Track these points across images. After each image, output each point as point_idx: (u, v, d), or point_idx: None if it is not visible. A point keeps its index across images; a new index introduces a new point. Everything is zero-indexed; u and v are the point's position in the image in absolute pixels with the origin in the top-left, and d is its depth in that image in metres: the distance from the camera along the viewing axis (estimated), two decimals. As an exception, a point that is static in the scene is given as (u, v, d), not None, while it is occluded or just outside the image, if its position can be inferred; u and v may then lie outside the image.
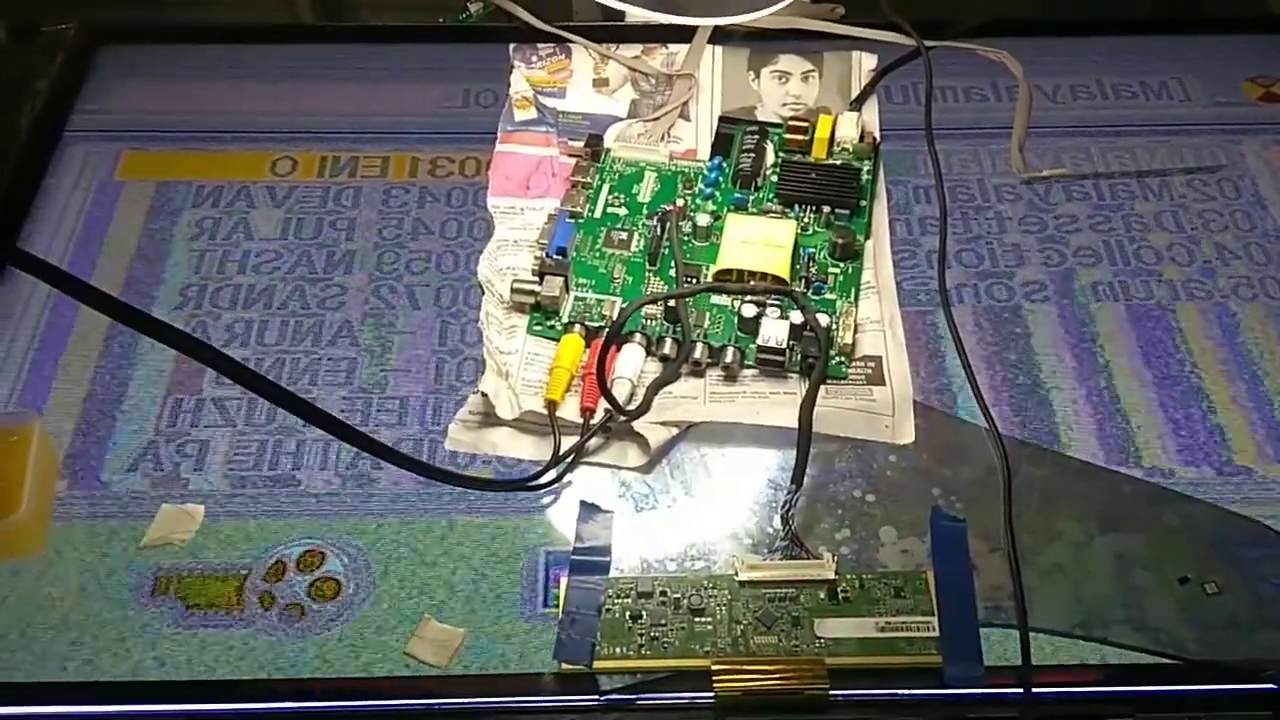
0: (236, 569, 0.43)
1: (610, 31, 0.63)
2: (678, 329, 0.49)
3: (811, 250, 0.52)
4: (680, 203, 0.54)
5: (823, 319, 0.48)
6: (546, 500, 0.46)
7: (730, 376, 0.49)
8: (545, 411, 0.47)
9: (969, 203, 0.56)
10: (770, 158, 0.56)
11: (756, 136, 0.57)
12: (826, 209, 0.53)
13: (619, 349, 0.48)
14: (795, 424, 0.45)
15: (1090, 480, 0.46)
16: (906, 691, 0.41)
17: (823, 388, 0.47)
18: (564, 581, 0.42)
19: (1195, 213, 0.55)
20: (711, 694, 0.40)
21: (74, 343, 0.50)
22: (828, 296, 0.51)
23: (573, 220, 0.53)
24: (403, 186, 0.57)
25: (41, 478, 0.46)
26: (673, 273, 0.51)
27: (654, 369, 0.49)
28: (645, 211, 0.54)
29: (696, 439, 0.47)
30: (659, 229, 0.52)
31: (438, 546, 0.44)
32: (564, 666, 0.41)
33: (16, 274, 0.52)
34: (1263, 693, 0.41)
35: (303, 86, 0.61)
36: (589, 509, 0.45)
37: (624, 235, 0.53)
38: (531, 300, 0.50)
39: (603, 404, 0.46)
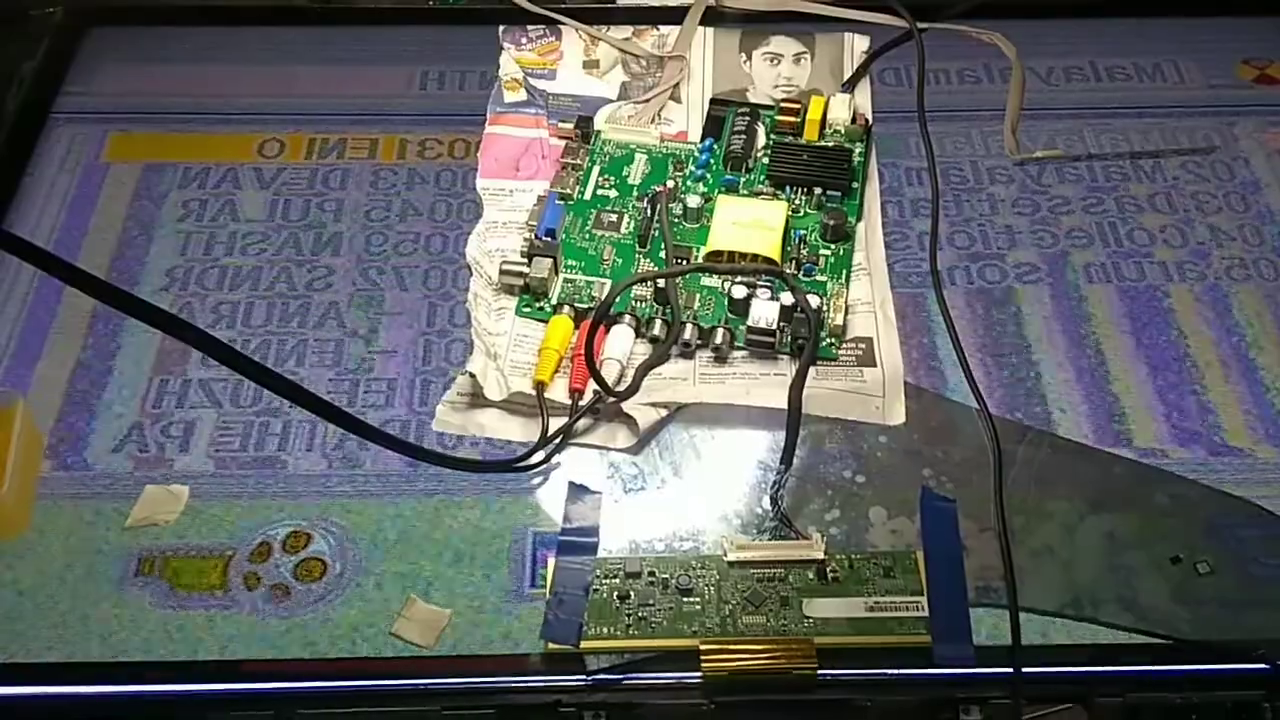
0: (222, 550, 0.43)
1: (600, 13, 0.63)
2: (667, 310, 0.49)
3: (802, 232, 0.52)
4: (671, 184, 0.54)
5: (813, 300, 0.48)
6: (534, 481, 0.45)
7: (720, 358, 0.48)
8: (534, 393, 0.46)
9: (961, 185, 0.56)
10: (761, 140, 0.56)
11: (748, 118, 0.56)
12: (818, 191, 0.53)
13: (608, 330, 0.48)
14: (785, 405, 0.45)
15: (1081, 460, 0.46)
16: (895, 671, 0.40)
17: (813, 369, 0.47)
18: (551, 562, 0.42)
19: (1188, 195, 0.55)
20: (699, 674, 0.40)
21: (59, 324, 0.50)
22: (818, 278, 0.50)
23: (562, 202, 0.53)
24: (391, 168, 0.56)
25: (25, 458, 0.45)
26: (663, 254, 0.51)
27: (643, 350, 0.48)
28: (635, 193, 0.54)
29: (686, 420, 0.47)
30: (649, 211, 0.52)
31: (425, 527, 0.44)
32: (551, 646, 0.40)
33: (2, 255, 0.52)
34: (1254, 673, 0.40)
35: (290, 68, 0.61)
36: (577, 490, 0.45)
37: (614, 217, 0.53)
38: (520, 282, 0.50)
39: (591, 385, 0.46)
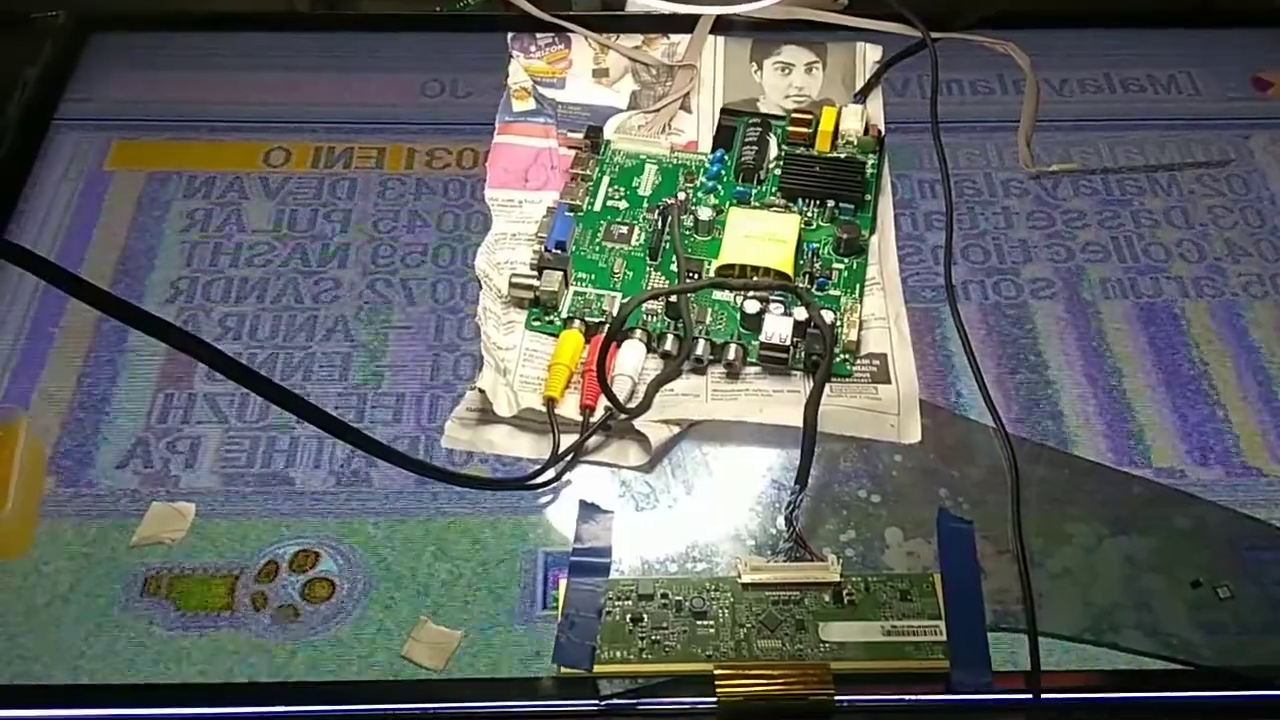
0: (228, 569, 0.42)
1: (610, 21, 0.62)
2: (679, 325, 0.48)
3: (815, 245, 0.51)
4: (682, 196, 0.53)
5: (827, 315, 0.47)
6: (545, 500, 0.45)
7: (733, 374, 0.48)
8: (544, 409, 0.46)
9: (975, 197, 0.55)
10: (773, 151, 0.55)
11: (759, 129, 0.56)
12: (830, 203, 0.52)
13: (619, 345, 0.47)
14: (799, 423, 0.44)
15: (1099, 481, 0.45)
16: (913, 697, 0.40)
17: (827, 386, 0.46)
18: (563, 583, 0.42)
19: (1204, 209, 0.55)
20: (714, 699, 0.39)
21: (62, 336, 0.49)
22: (832, 293, 0.50)
23: (572, 213, 0.52)
24: (399, 178, 0.56)
25: (29, 475, 0.45)
26: (674, 268, 0.50)
27: (655, 366, 0.48)
28: (646, 205, 0.53)
29: (698, 438, 0.47)
30: (660, 223, 0.51)
31: (434, 547, 0.43)
32: (563, 670, 0.40)
33: (4, 266, 0.51)
34: (1277, 700, 0.40)
35: (297, 76, 0.60)
36: (589, 509, 0.44)
37: (624, 229, 0.52)
38: (530, 295, 0.49)
39: (603, 401, 0.45)
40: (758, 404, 0.47)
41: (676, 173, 0.55)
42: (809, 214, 0.53)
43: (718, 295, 0.49)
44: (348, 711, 0.40)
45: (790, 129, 0.56)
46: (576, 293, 0.50)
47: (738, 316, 0.48)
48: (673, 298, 0.48)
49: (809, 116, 0.56)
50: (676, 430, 0.46)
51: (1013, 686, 0.40)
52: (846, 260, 0.51)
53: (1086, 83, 0.60)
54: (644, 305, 0.48)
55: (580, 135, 0.56)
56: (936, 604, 0.41)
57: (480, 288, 0.51)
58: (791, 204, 0.53)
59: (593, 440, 0.46)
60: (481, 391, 0.46)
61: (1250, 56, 0.61)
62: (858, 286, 0.50)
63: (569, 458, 0.45)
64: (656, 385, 0.47)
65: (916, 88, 0.60)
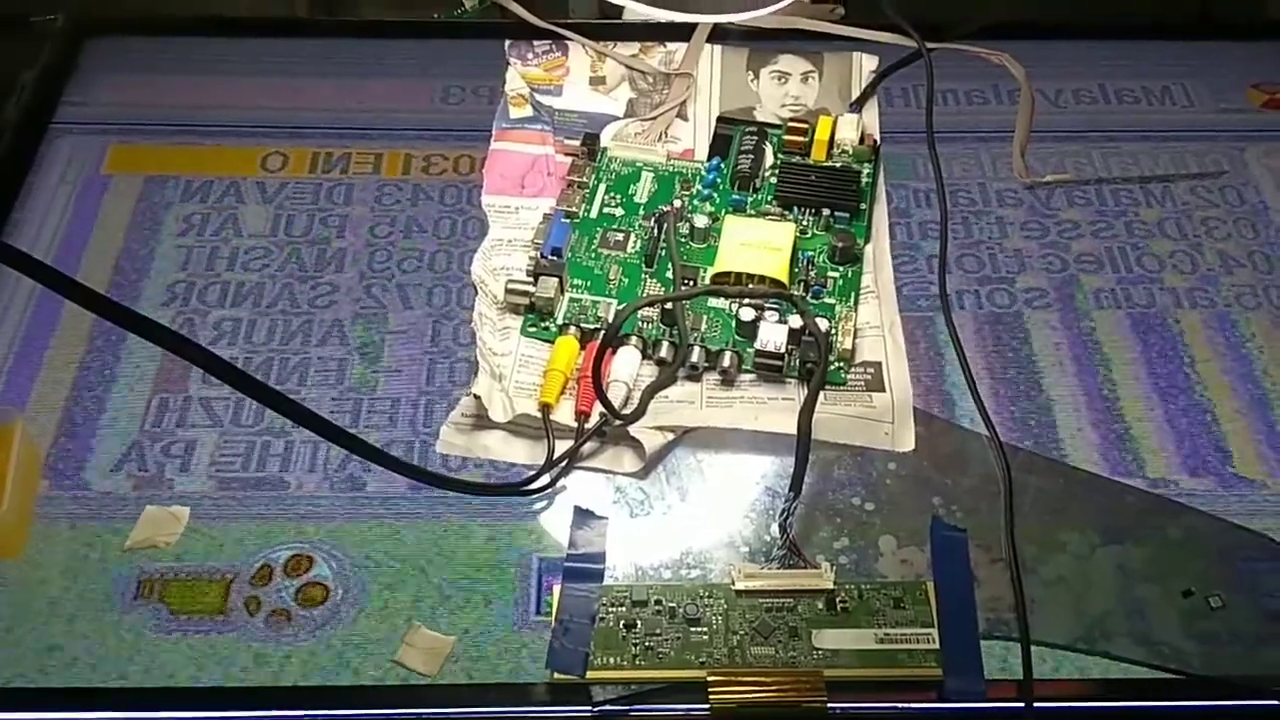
0: (222, 573, 0.42)
1: (608, 29, 0.62)
2: (674, 332, 0.48)
3: (811, 253, 0.51)
4: (678, 204, 0.53)
5: (822, 323, 0.48)
6: (540, 505, 0.45)
7: (727, 381, 0.48)
8: (539, 415, 0.46)
9: (970, 207, 0.55)
10: (769, 159, 0.56)
11: (755, 137, 0.56)
12: (826, 212, 0.53)
13: (614, 352, 0.48)
14: (793, 430, 0.45)
15: (1092, 490, 0.45)
16: (906, 704, 0.40)
17: (821, 393, 0.46)
18: (557, 589, 0.42)
19: (1198, 220, 0.55)
20: (707, 706, 0.39)
21: (58, 340, 0.49)
22: (827, 301, 0.50)
23: (568, 220, 0.52)
24: (395, 184, 0.56)
25: (23, 477, 0.45)
26: (670, 275, 0.50)
27: (650, 372, 0.48)
28: (642, 212, 0.53)
29: (693, 444, 0.47)
30: (656, 230, 0.52)
31: (428, 552, 0.43)
32: (556, 676, 0.40)
33: (0, 269, 0.51)
34: (1268, 709, 0.40)
35: (295, 81, 0.60)
36: (583, 515, 0.44)
37: (620, 236, 0.52)
38: (526, 301, 0.49)
39: (598, 408, 0.45)
40: (752, 411, 0.47)
41: (673, 180, 0.55)
42: (804, 222, 0.53)
43: (713, 302, 0.49)
44: (341, 716, 0.40)
45: (786, 138, 0.56)
46: (572, 299, 0.50)
47: (733, 324, 0.49)
48: (668, 305, 0.48)
49: (805, 125, 0.56)
50: (671, 437, 0.46)
51: (1005, 695, 0.40)
52: (841, 268, 0.51)
53: (1081, 93, 0.61)
54: (639, 312, 0.48)
55: (577, 142, 0.56)
56: (930, 612, 0.41)
57: (476, 293, 0.51)
58: (787, 212, 0.53)
59: (587, 446, 0.46)
60: (477, 397, 0.46)
61: (1244, 68, 0.62)
62: (852, 295, 0.50)
63: (564, 464, 0.45)
64: (651, 392, 0.47)
65: (912, 97, 0.60)
